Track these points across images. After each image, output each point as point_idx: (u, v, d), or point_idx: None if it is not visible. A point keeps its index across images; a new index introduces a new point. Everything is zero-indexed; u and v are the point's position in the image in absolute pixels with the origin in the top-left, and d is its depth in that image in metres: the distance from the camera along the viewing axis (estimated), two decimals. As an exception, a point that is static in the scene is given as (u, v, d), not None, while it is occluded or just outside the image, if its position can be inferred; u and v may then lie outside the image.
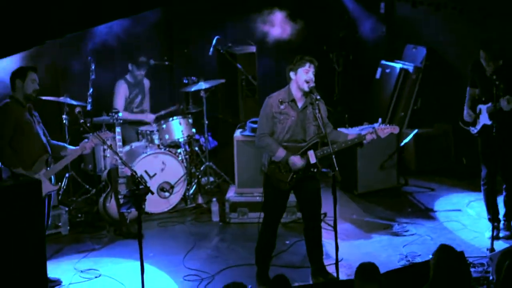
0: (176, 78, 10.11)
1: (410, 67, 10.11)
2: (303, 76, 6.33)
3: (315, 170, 6.44)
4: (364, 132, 6.37)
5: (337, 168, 5.94)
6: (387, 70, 10.22)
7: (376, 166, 9.35)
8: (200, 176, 9.34)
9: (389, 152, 9.36)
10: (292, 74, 6.36)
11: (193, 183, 9.29)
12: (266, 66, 10.22)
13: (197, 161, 9.51)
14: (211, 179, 9.63)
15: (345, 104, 10.91)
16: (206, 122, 9.42)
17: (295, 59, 6.36)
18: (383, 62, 10.46)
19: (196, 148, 9.55)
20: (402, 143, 9.57)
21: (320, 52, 10.41)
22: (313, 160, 6.35)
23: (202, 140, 9.77)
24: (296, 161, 6.36)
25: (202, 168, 9.48)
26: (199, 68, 9.95)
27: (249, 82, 9.70)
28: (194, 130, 9.36)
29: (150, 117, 9.43)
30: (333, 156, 5.94)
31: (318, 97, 6.32)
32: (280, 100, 6.39)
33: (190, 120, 9.32)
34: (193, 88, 9.32)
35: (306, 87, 6.29)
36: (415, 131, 9.69)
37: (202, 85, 9.31)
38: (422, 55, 10.19)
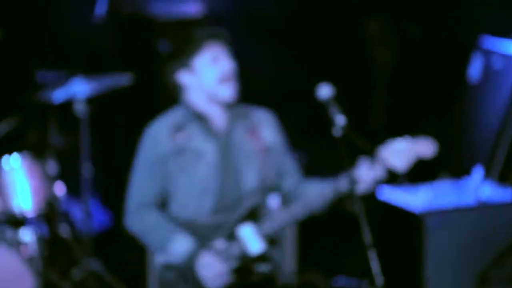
0: (16, 70, 7.35)
1: None
2: (211, 71, 4.17)
3: (267, 269, 4.13)
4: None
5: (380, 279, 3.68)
6: (497, 63, 6.81)
7: (471, 276, 6.04)
8: (72, 298, 6.34)
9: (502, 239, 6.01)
10: (185, 76, 4.21)
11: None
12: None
13: (65, 261, 6.49)
14: (98, 302, 6.57)
15: (396, 133, 7.83)
16: (90, 171, 6.47)
17: (179, 46, 4.26)
18: (487, 44, 7.00)
19: (66, 230, 6.55)
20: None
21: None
22: (255, 246, 4.06)
23: (77, 212, 6.93)
24: (211, 265, 4.08)
25: (77, 277, 6.36)
26: (69, 52, 7.37)
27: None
28: (63, 188, 6.48)
29: None
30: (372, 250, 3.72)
31: (342, 120, 4.01)
32: (174, 126, 4.26)
33: (53, 167, 6.42)
34: (59, 97, 6.31)
35: (227, 93, 4.16)
36: None
37: (80, 86, 6.23)
38: None
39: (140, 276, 6.47)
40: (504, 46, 6.98)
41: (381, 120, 8.64)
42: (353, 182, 4.11)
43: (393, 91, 8.55)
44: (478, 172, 6.21)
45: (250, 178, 4.33)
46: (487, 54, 7.18)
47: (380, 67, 8.35)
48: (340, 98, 6.51)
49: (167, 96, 7.27)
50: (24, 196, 6.34)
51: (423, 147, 4.43)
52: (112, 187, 7.58)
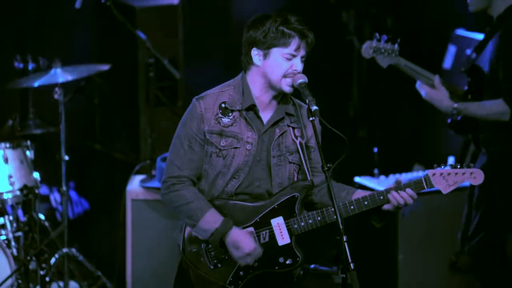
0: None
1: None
2: (282, 65, 4.17)
3: (290, 263, 4.18)
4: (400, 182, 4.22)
5: (351, 265, 3.80)
6: (470, 52, 6.50)
7: (443, 264, 6.30)
8: (48, 279, 6.44)
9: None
10: (257, 55, 4.20)
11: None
12: (203, 37, 7.64)
13: (41, 246, 6.51)
14: (73, 284, 6.78)
15: (375, 125, 8.56)
16: (66, 158, 6.57)
17: (265, 24, 4.19)
18: (460, 32, 7.33)
19: (42, 217, 6.58)
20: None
21: (323, 9, 8.13)
22: (283, 238, 4.18)
23: (55, 198, 7.38)
24: (245, 241, 4.17)
25: (53, 261, 6.52)
26: (51, 41, 7.49)
27: (163, 72, 7.06)
28: (37, 175, 6.47)
29: None
30: (344, 237, 3.83)
31: (314, 106, 4.08)
32: (223, 106, 4.26)
33: (29, 154, 6.48)
34: (38, 82, 6.39)
35: (286, 86, 4.17)
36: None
37: (59, 75, 6.40)
38: None
39: (114, 261, 6.58)
40: (475, 36, 7.06)
41: (358, 108, 8.72)
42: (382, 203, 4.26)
43: (371, 80, 8.61)
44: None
45: (282, 172, 4.38)
46: (460, 42, 7.25)
47: (358, 56, 8.44)
48: (321, 86, 6.39)
49: (146, 83, 7.27)
50: (2, 181, 6.29)
51: (472, 178, 4.42)
52: (88, 173, 7.80)
